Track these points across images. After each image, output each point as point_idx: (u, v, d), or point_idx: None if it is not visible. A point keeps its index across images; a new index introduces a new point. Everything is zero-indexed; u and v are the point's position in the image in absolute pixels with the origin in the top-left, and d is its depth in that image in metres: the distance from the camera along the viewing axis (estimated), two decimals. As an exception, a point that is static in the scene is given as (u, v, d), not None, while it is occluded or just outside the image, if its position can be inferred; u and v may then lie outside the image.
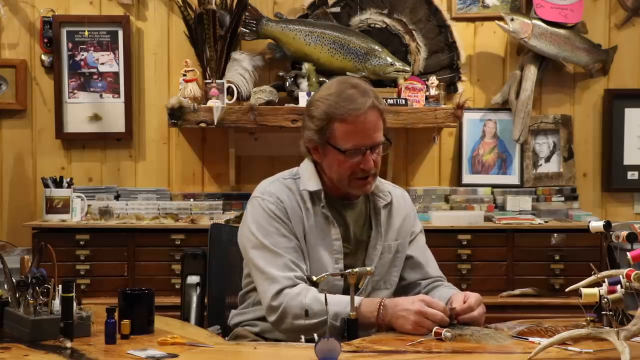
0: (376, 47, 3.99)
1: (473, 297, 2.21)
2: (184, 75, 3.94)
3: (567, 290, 2.03)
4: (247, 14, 4.00)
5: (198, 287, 2.68)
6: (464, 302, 2.19)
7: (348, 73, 3.96)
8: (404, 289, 2.48)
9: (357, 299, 2.17)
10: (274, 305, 2.22)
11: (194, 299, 2.67)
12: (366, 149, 2.27)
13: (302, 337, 2.15)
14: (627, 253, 2.02)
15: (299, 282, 2.24)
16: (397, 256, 2.44)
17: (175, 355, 1.91)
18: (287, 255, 2.27)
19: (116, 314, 2.04)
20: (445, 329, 2.04)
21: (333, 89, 2.32)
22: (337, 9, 4.11)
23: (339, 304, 2.15)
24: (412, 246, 2.49)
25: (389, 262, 2.42)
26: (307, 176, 2.38)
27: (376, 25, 4.13)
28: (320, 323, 2.14)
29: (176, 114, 3.85)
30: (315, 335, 1.99)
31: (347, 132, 2.26)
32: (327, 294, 2.17)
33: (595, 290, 2.02)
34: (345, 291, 2.28)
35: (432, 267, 2.51)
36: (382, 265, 2.39)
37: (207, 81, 3.94)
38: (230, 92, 3.93)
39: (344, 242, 2.36)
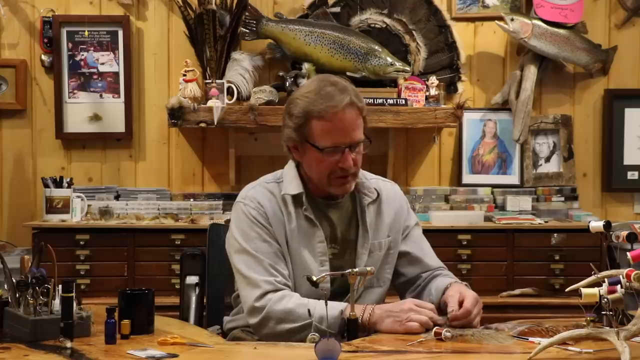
0: (376, 47, 3.99)
1: (469, 299, 2.19)
2: (184, 75, 3.94)
3: (567, 290, 2.03)
4: (247, 14, 4.00)
5: (197, 287, 2.68)
6: (460, 305, 2.18)
7: (348, 73, 3.96)
8: (404, 284, 2.47)
9: (342, 304, 2.18)
10: (257, 306, 2.22)
11: (193, 299, 2.67)
12: (345, 147, 2.26)
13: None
14: (627, 253, 2.02)
15: (281, 288, 2.24)
16: (389, 253, 2.42)
17: (175, 355, 1.91)
18: (267, 260, 2.26)
19: (116, 314, 2.04)
20: (445, 329, 2.04)
21: (312, 86, 2.31)
22: (337, 9, 4.11)
23: (323, 307, 2.13)
24: (407, 241, 2.47)
25: (381, 259, 2.40)
26: (289, 179, 2.36)
27: (376, 25, 4.13)
28: (303, 327, 2.16)
29: (176, 114, 3.85)
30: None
31: (325, 129, 2.25)
32: (313, 300, 2.19)
33: (595, 290, 2.02)
34: (333, 293, 2.28)
35: (430, 258, 2.49)
36: (374, 263, 2.35)
37: (207, 81, 3.94)
38: (230, 92, 3.93)
39: (331, 243, 2.35)
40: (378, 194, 2.42)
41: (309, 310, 2.15)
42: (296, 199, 2.33)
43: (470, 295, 2.21)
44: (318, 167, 2.30)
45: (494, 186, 4.17)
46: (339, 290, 2.29)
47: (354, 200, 2.41)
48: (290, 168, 2.39)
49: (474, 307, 2.18)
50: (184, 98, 3.88)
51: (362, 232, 2.38)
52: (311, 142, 2.27)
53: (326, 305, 2.09)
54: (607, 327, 1.92)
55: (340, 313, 2.15)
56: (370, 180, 2.45)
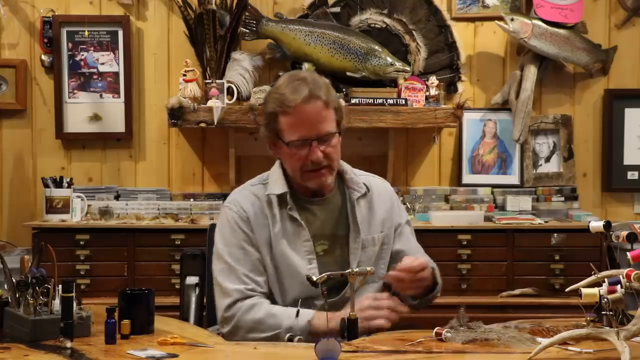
0: (376, 47, 3.99)
1: (418, 261, 2.22)
2: (184, 75, 3.94)
3: (567, 290, 2.03)
4: (247, 14, 4.00)
5: (197, 288, 2.68)
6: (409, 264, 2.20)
7: (348, 73, 3.97)
8: None
9: (310, 313, 2.22)
10: (226, 316, 2.26)
11: (193, 299, 2.67)
12: (311, 141, 2.26)
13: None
14: (627, 253, 2.02)
15: (250, 295, 2.27)
16: (383, 248, 2.43)
17: (175, 355, 1.91)
18: (241, 268, 2.30)
19: (116, 314, 2.04)
20: (445, 329, 2.04)
21: (280, 82, 2.34)
22: (337, 9, 4.11)
23: (291, 317, 2.21)
24: (401, 239, 2.47)
25: (375, 254, 2.40)
26: (274, 180, 2.39)
27: (376, 25, 4.13)
28: (272, 337, 2.20)
29: (176, 114, 3.85)
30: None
31: (290, 124, 2.27)
32: (281, 308, 2.25)
33: (595, 290, 2.02)
34: (328, 290, 2.28)
35: (421, 255, 2.49)
36: (368, 258, 2.37)
37: (207, 81, 3.94)
38: (230, 92, 3.93)
39: (320, 240, 2.36)
40: (368, 189, 2.43)
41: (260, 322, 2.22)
42: (281, 198, 2.35)
43: (420, 260, 2.22)
44: (290, 161, 2.32)
45: (494, 186, 4.17)
46: (336, 286, 2.29)
47: (344, 196, 2.42)
48: (276, 168, 2.42)
49: (420, 268, 2.20)
50: (184, 98, 3.88)
51: (353, 227, 2.38)
52: (280, 137, 2.30)
53: (326, 303, 2.09)
54: (607, 327, 1.92)
55: (308, 323, 2.20)
56: (359, 176, 2.46)
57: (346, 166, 2.46)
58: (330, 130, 2.29)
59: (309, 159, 2.28)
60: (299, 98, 2.24)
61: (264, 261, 2.32)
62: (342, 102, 2.41)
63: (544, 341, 1.86)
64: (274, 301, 2.32)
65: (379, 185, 2.49)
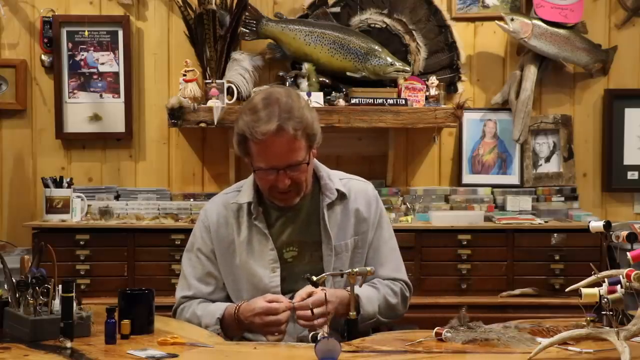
0: (376, 47, 3.99)
1: (316, 296, 2.20)
2: (184, 75, 3.94)
3: (567, 290, 2.04)
4: (247, 14, 4.00)
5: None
6: (307, 296, 2.21)
7: (348, 73, 3.97)
8: None
9: (219, 311, 2.30)
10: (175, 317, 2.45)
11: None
12: (278, 170, 2.27)
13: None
14: (627, 253, 2.03)
15: (183, 302, 2.42)
16: (357, 252, 2.42)
17: (175, 355, 1.91)
18: (189, 275, 2.43)
19: (116, 314, 2.04)
20: (445, 329, 2.04)
21: (252, 104, 2.30)
22: (337, 9, 4.11)
23: (208, 315, 2.31)
24: (373, 245, 2.46)
25: (349, 260, 2.39)
26: (244, 188, 2.43)
27: (376, 25, 4.13)
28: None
29: (176, 114, 3.85)
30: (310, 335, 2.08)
31: (258, 152, 2.27)
32: (203, 305, 2.36)
33: (595, 290, 2.02)
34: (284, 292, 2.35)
35: (385, 268, 2.46)
36: (342, 264, 2.36)
37: (207, 81, 3.94)
38: (230, 92, 3.93)
39: (289, 246, 2.37)
40: (343, 194, 2.41)
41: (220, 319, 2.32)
42: (249, 207, 2.38)
43: (318, 294, 2.20)
44: (259, 181, 2.36)
45: (494, 186, 4.17)
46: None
47: (317, 201, 2.41)
48: (250, 176, 2.45)
49: (314, 305, 2.18)
50: (184, 98, 3.88)
51: (324, 234, 2.37)
52: (250, 159, 2.32)
53: (326, 303, 2.09)
54: (607, 327, 1.92)
55: (217, 320, 2.28)
56: (335, 180, 2.44)
57: (324, 171, 2.44)
58: (298, 160, 2.28)
59: (276, 185, 2.29)
60: (268, 131, 2.21)
61: (216, 272, 2.41)
62: (316, 123, 2.33)
63: (544, 341, 1.86)
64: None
65: (358, 189, 2.47)
